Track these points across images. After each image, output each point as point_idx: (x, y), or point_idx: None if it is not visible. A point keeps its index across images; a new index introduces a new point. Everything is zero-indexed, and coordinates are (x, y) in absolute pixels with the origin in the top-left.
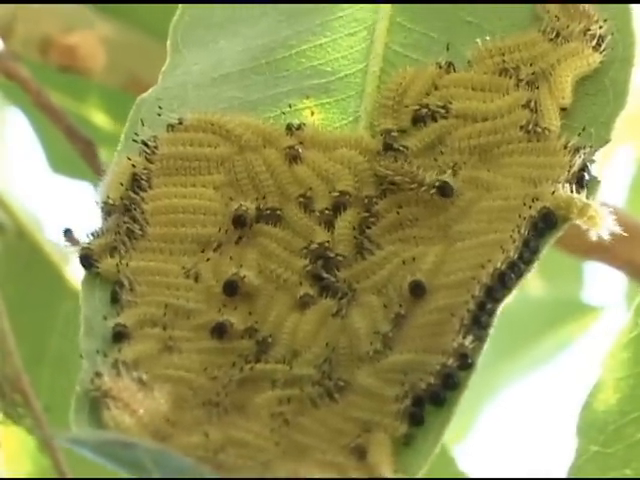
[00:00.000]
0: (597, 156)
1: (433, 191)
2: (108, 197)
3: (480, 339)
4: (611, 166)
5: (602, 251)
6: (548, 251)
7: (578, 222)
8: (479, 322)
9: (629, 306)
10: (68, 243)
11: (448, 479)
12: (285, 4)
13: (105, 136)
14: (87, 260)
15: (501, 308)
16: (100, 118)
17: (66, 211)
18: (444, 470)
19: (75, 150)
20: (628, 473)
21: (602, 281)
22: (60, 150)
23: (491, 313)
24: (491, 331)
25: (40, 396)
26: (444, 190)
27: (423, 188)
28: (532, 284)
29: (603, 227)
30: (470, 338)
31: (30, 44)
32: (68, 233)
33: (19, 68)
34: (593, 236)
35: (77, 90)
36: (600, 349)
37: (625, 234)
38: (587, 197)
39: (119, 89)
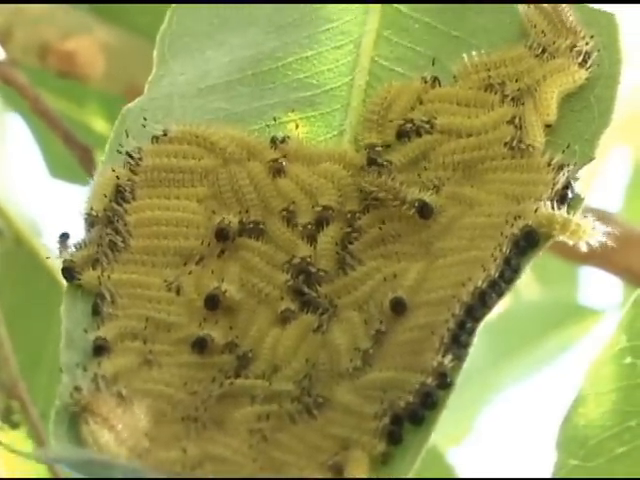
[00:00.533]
0: (581, 172)
1: (413, 210)
2: (91, 208)
3: (459, 358)
4: (608, 169)
5: (599, 258)
6: (544, 255)
7: (562, 238)
8: (459, 341)
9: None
10: (60, 248)
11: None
12: (273, 15)
13: (104, 142)
14: (69, 272)
15: (494, 316)
16: (100, 124)
17: (65, 217)
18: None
19: (73, 156)
20: None
21: (599, 284)
22: (59, 155)
23: (471, 332)
24: (471, 350)
25: (37, 403)
26: (423, 211)
27: (405, 206)
28: (529, 288)
29: (589, 238)
30: (449, 357)
31: (29, 50)
32: (64, 238)
33: (17, 74)
34: (582, 247)
35: (77, 96)
36: (589, 358)
37: (621, 241)
38: (568, 213)
39: (119, 95)
